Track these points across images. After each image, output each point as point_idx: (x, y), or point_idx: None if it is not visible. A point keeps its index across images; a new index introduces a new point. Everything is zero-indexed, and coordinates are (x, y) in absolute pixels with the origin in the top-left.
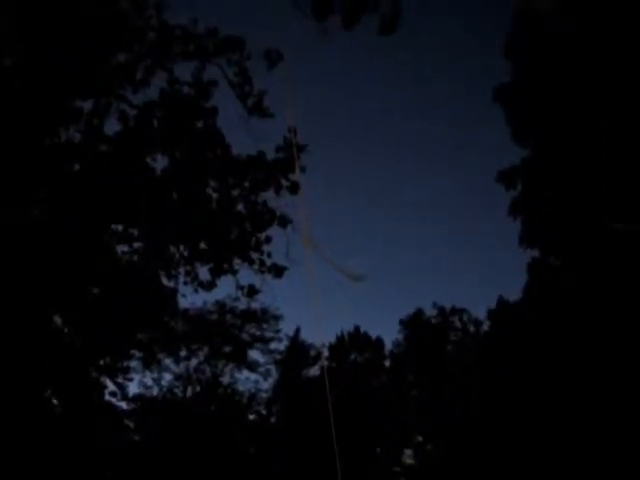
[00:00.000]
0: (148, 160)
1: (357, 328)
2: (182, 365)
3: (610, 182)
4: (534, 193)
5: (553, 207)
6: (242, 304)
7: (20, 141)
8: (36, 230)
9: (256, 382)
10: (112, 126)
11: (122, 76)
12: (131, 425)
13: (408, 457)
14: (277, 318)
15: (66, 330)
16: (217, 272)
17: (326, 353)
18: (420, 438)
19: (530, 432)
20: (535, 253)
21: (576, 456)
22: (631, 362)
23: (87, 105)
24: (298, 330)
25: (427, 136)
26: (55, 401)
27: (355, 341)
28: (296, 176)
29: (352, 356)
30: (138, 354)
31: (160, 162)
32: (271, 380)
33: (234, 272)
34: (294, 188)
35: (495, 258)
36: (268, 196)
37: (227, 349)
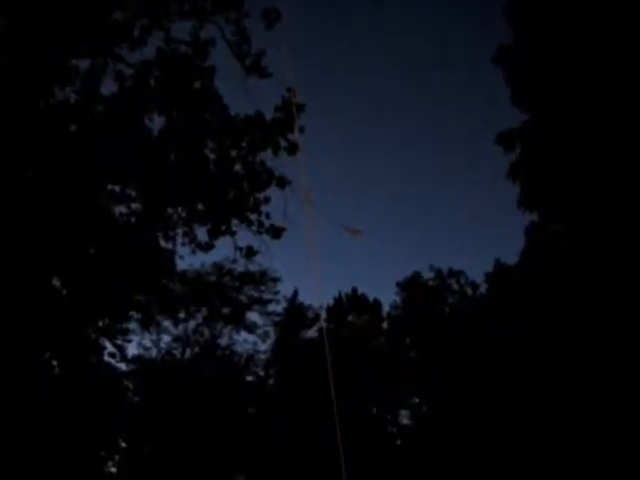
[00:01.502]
0: (145, 120)
1: (355, 290)
2: (180, 327)
3: (610, 145)
4: (533, 156)
5: (552, 170)
6: (240, 266)
7: (15, 101)
8: (32, 192)
9: (254, 344)
10: (109, 86)
11: (118, 35)
12: (130, 386)
13: (405, 418)
14: (275, 280)
15: (64, 292)
16: (215, 233)
17: (324, 315)
18: (417, 400)
19: (526, 394)
20: (534, 216)
21: (573, 415)
22: (630, 322)
23: (83, 65)
24: (296, 292)
25: (426, 97)
26: (54, 362)
27: (353, 303)
28: (295, 136)
29: (350, 318)
30: (136, 316)
31: (157, 122)
32: (269, 342)
33: (232, 233)
34: (293, 148)
35: (493, 221)
36: (266, 156)
37: (225, 311)
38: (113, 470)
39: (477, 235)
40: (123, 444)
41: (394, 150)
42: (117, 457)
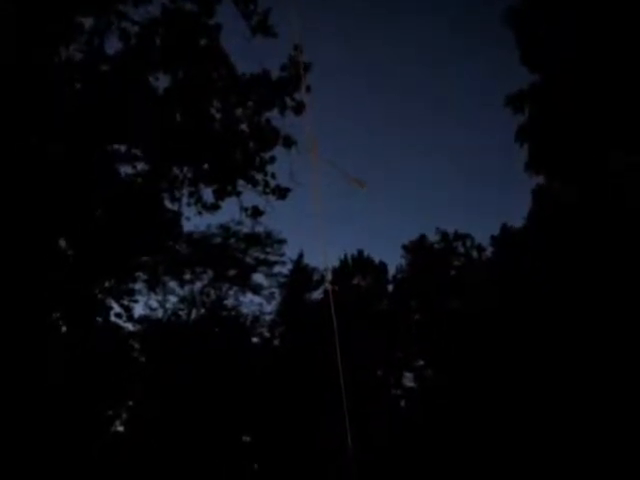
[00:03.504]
0: (150, 79)
1: (360, 252)
2: (187, 288)
3: (619, 109)
4: (542, 119)
5: (561, 133)
6: (246, 228)
7: (19, 58)
8: (37, 153)
9: (260, 305)
10: (113, 45)
11: None
12: (136, 346)
13: (408, 380)
14: (281, 242)
15: (71, 252)
16: (221, 194)
17: (329, 277)
18: (421, 362)
19: (532, 355)
20: (540, 179)
21: (576, 379)
22: (636, 282)
23: (87, 23)
24: (301, 254)
25: (433, 58)
26: (61, 322)
27: (358, 265)
28: (301, 95)
29: (355, 280)
30: (143, 277)
31: (162, 81)
32: (275, 303)
33: (238, 194)
34: (299, 108)
35: (500, 185)
36: (272, 116)
37: (231, 272)
38: (120, 429)
39: (484, 198)
40: (130, 403)
41: (401, 113)
42: (124, 416)
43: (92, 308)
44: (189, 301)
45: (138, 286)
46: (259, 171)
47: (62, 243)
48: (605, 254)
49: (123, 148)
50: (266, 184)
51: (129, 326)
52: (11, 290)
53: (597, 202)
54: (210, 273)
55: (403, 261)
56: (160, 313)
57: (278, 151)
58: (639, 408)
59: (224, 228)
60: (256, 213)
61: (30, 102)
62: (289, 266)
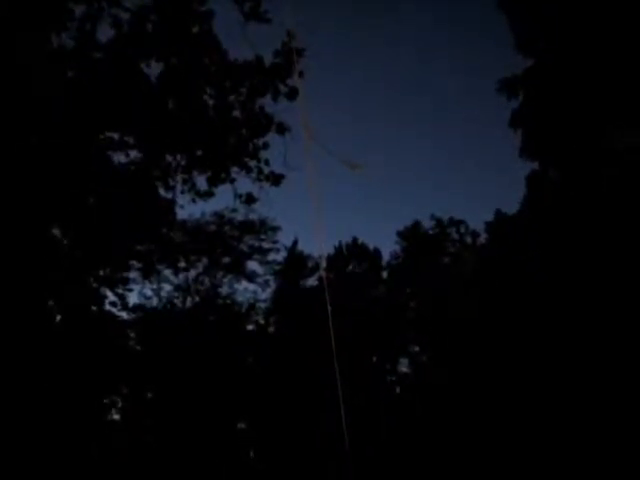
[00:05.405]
0: (143, 67)
1: (355, 239)
2: (181, 276)
3: (614, 93)
4: (536, 104)
5: (554, 118)
6: (240, 215)
7: (12, 43)
8: (30, 141)
9: (254, 292)
10: (105, 32)
11: None
12: (132, 335)
13: (404, 366)
14: (275, 229)
15: (65, 241)
16: (215, 181)
17: (324, 263)
18: (416, 348)
19: (527, 342)
20: (535, 165)
21: (574, 374)
22: (629, 268)
23: (78, 10)
24: (296, 241)
25: (429, 44)
26: (56, 311)
27: (353, 252)
28: (295, 81)
29: (350, 267)
30: (137, 265)
31: (155, 68)
32: (269, 290)
33: (232, 180)
34: (292, 94)
35: (494, 171)
36: (265, 102)
37: (226, 260)
38: (116, 417)
39: (478, 185)
40: (125, 391)
41: (395, 99)
42: (120, 405)
43: (86, 297)
44: (184, 289)
45: (132, 274)
46: (253, 157)
47: (56, 232)
48: (600, 239)
49: (116, 136)
50: (260, 170)
51: (124, 315)
52: (4, 279)
53: (590, 187)
54: (204, 261)
55: (398, 247)
56: (155, 301)
57: (272, 138)
58: (636, 396)
59: (218, 215)
60: (250, 200)
61: (23, 95)
62: (283, 253)
